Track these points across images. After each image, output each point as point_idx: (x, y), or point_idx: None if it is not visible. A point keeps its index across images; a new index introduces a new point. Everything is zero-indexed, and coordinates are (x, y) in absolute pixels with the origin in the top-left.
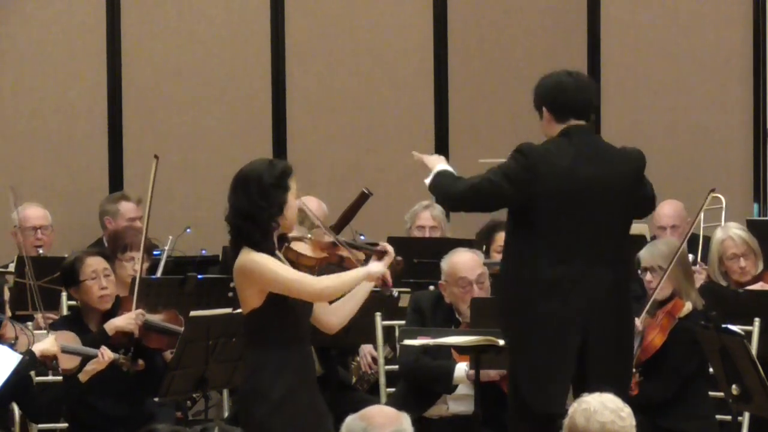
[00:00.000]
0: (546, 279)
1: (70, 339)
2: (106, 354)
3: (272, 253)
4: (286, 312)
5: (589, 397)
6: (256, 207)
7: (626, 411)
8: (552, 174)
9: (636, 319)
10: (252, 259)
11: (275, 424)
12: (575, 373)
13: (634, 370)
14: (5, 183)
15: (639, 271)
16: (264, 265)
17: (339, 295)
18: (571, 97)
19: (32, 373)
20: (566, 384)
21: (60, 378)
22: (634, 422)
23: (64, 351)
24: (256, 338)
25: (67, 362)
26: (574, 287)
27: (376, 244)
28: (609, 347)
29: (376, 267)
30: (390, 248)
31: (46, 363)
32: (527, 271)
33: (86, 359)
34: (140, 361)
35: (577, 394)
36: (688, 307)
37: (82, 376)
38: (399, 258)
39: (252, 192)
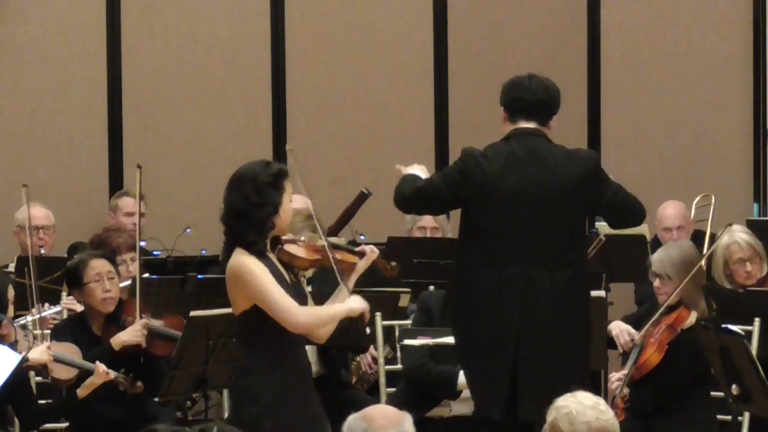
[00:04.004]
0: (481, 281)
1: (72, 351)
2: (103, 370)
3: (263, 255)
4: None
5: (563, 401)
6: (251, 205)
7: (603, 403)
8: (480, 178)
9: (635, 332)
10: (244, 263)
11: (263, 427)
12: (510, 380)
13: (625, 390)
14: (6, 183)
15: (649, 274)
16: (256, 276)
17: (317, 330)
18: (519, 96)
19: (33, 375)
20: (503, 390)
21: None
22: (612, 412)
23: (58, 361)
24: (247, 340)
25: (63, 373)
26: (508, 290)
27: (358, 245)
28: (544, 351)
29: (357, 303)
30: (368, 250)
31: (36, 370)
32: (467, 273)
33: (84, 373)
34: (139, 383)
35: (511, 401)
36: (691, 320)
37: (81, 391)
38: (394, 263)
39: (247, 190)
